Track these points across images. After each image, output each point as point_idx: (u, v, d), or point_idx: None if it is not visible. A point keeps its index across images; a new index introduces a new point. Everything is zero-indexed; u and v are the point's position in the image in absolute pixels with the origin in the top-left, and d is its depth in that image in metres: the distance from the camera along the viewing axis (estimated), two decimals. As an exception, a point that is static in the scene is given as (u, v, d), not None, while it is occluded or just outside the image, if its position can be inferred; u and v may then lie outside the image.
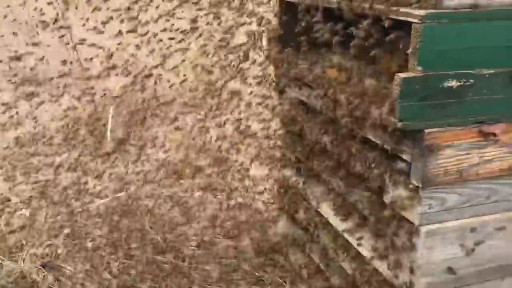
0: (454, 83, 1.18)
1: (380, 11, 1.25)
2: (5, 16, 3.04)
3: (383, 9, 1.24)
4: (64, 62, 4.63)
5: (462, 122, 1.23)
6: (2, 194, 2.70)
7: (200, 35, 2.34)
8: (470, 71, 1.19)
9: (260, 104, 2.66)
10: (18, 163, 3.12)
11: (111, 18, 2.70)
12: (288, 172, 2.01)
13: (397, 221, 1.37)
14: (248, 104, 2.54)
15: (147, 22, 2.35)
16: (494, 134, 1.25)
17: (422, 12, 1.13)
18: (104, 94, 3.73)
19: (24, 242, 2.27)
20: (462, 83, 1.19)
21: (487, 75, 1.20)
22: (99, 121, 3.57)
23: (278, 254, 2.15)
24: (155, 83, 2.58)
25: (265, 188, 2.57)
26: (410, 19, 1.15)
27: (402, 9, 1.18)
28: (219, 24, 2.32)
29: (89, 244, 2.31)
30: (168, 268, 2.12)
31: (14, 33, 4.97)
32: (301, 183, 1.91)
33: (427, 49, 1.14)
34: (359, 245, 1.55)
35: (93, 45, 3.79)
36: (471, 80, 1.19)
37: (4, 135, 3.51)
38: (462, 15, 1.14)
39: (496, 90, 1.21)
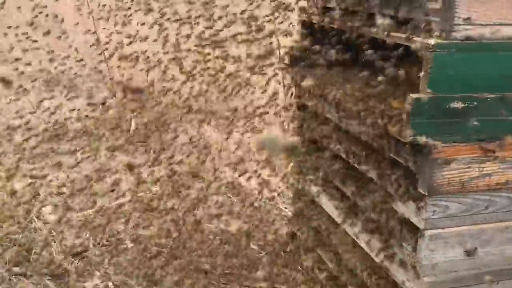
0: (459, 105, 1.34)
1: (397, 39, 1.42)
2: (36, 16, 3.20)
3: (400, 37, 1.41)
4: (89, 64, 4.83)
5: (465, 139, 1.38)
6: (32, 188, 2.87)
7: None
8: (473, 95, 1.34)
9: (276, 113, 2.82)
10: (46, 160, 3.30)
11: (143, 23, 2.87)
12: (303, 179, 2.17)
13: (404, 225, 1.53)
14: (266, 113, 2.69)
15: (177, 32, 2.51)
16: (493, 151, 1.41)
17: (432, 41, 1.29)
18: (127, 96, 3.91)
19: (54, 233, 2.44)
20: (466, 104, 1.35)
21: (488, 99, 1.36)
22: (122, 122, 3.75)
23: (291, 257, 2.30)
24: (176, 91, 2.74)
25: (279, 193, 2.73)
26: (422, 48, 1.31)
27: (416, 39, 1.35)
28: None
29: (113, 239, 2.48)
30: (185, 263, 2.27)
31: (44, 33, 5.19)
32: (315, 190, 2.07)
33: (436, 74, 1.30)
34: (367, 246, 1.70)
35: (119, 47, 3.97)
36: (474, 103, 1.35)
37: (31, 133, 3.69)
38: (468, 45, 1.30)
39: (496, 112, 1.37)
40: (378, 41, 1.52)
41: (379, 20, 1.48)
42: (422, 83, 1.32)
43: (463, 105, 1.34)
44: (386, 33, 1.43)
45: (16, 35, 3.36)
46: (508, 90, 1.36)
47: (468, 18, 1.30)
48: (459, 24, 1.30)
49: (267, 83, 2.44)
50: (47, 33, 4.37)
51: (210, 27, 2.26)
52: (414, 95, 1.32)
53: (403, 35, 1.39)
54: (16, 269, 2.19)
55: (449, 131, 1.36)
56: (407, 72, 1.44)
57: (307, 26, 2.00)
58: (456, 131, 1.37)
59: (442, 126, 1.36)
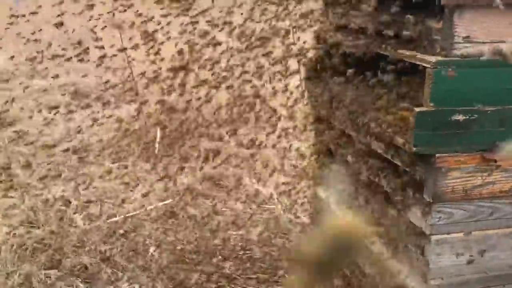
0: (460, 117, 1.43)
1: (402, 56, 1.52)
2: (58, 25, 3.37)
3: (405, 54, 1.51)
4: (115, 77, 5.03)
5: (467, 149, 1.47)
6: (63, 197, 3.05)
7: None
8: (474, 108, 1.43)
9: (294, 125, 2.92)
10: (75, 170, 3.48)
11: (169, 38, 3.01)
12: (319, 187, 2.27)
13: (412, 231, 1.61)
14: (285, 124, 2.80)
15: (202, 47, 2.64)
16: (495, 161, 1.49)
17: (434, 59, 1.39)
18: (154, 109, 4.07)
19: (85, 239, 2.60)
20: (467, 117, 1.43)
21: (488, 111, 1.44)
22: (148, 133, 3.91)
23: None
24: (203, 104, 2.88)
25: (298, 202, 2.83)
26: (424, 64, 1.41)
27: (419, 56, 1.45)
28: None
29: (140, 245, 2.62)
30: (211, 270, 2.39)
31: (63, 49, 5.42)
32: (330, 198, 2.16)
33: (438, 89, 1.40)
34: (379, 251, 1.79)
35: (144, 62, 4.14)
36: (475, 115, 1.44)
37: (62, 146, 3.88)
38: (467, 62, 1.40)
39: (496, 124, 1.45)
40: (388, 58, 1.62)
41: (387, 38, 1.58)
42: (425, 98, 1.42)
43: (464, 117, 1.43)
44: (392, 50, 1.53)
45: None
46: (507, 103, 1.44)
47: (468, 37, 1.39)
48: (459, 43, 1.39)
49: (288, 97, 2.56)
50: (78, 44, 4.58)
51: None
52: (418, 109, 1.42)
53: (407, 53, 1.49)
54: (50, 271, 2.34)
55: (452, 142, 1.45)
56: (412, 86, 1.54)
57: (322, 43, 2.11)
58: (459, 142, 1.46)
59: (445, 137, 1.45)
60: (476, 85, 1.42)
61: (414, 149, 1.45)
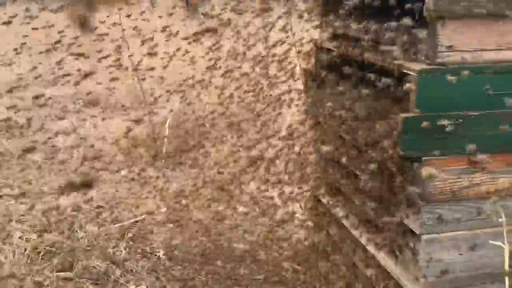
0: (445, 122, 1.51)
1: (390, 64, 1.60)
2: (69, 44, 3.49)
3: (392, 62, 1.59)
4: (124, 86, 5.15)
5: (453, 152, 1.54)
6: (74, 202, 3.15)
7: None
8: (459, 113, 1.51)
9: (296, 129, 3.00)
10: (87, 176, 3.59)
11: (179, 48, 3.12)
12: (319, 191, 2.35)
13: (404, 231, 1.68)
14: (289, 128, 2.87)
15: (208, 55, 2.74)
16: (481, 163, 1.56)
17: (419, 66, 1.47)
18: (161, 116, 4.19)
19: (95, 242, 2.70)
20: (452, 122, 1.51)
21: (473, 116, 1.51)
22: (155, 141, 4.02)
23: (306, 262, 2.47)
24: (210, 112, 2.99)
25: (300, 205, 2.90)
26: (409, 72, 1.49)
27: (405, 64, 1.52)
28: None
29: (147, 248, 2.71)
30: (214, 270, 2.47)
31: (76, 58, 5.56)
32: (330, 201, 2.24)
33: (423, 95, 1.48)
34: (375, 250, 1.86)
35: (152, 69, 4.26)
36: (460, 120, 1.51)
37: (73, 152, 4.00)
38: (451, 69, 1.47)
39: (481, 128, 1.52)
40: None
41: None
42: (411, 104, 1.50)
43: (449, 122, 1.51)
44: (380, 58, 1.61)
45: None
46: (490, 108, 1.51)
47: (450, 46, 1.47)
48: (443, 51, 1.47)
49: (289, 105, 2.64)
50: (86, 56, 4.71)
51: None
52: (404, 115, 1.49)
53: (395, 61, 1.57)
54: (62, 274, 2.44)
55: (438, 145, 1.53)
56: (401, 93, 1.61)
57: (319, 52, 2.19)
58: (444, 145, 1.53)
59: (431, 141, 1.52)
60: (460, 91, 1.49)
61: (402, 153, 1.53)
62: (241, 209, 3.03)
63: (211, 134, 3.85)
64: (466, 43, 1.47)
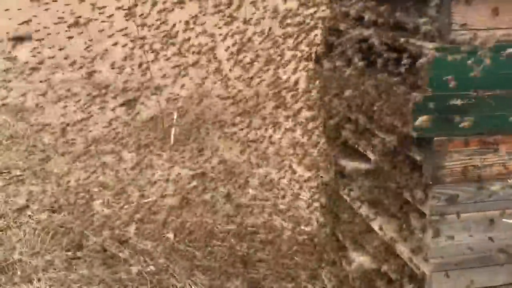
0: (458, 102, 1.49)
1: (403, 43, 1.58)
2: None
3: (405, 42, 1.57)
4: (133, 70, 5.13)
5: (465, 133, 1.52)
6: (84, 184, 3.17)
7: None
8: (472, 92, 1.49)
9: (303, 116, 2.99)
10: (95, 159, 3.60)
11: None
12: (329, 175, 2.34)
13: (414, 212, 1.68)
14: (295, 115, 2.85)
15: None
16: (493, 144, 1.54)
17: (432, 45, 1.45)
18: (171, 100, 4.17)
19: (104, 223, 2.71)
20: (465, 101, 1.49)
21: (486, 96, 1.49)
22: (164, 125, 4.02)
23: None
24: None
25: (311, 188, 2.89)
26: (422, 51, 1.47)
27: (418, 43, 1.50)
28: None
29: (156, 229, 2.73)
30: (223, 251, 2.49)
31: (85, 42, 5.55)
32: (340, 185, 2.24)
33: (436, 74, 1.46)
34: (383, 232, 1.86)
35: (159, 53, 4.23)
36: (473, 100, 1.49)
37: (80, 135, 4.01)
38: (464, 48, 1.45)
39: (494, 108, 1.50)
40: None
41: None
42: (424, 83, 1.48)
43: (462, 102, 1.49)
44: (392, 37, 1.59)
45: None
46: (504, 87, 1.49)
47: (464, 24, 1.44)
48: (456, 30, 1.44)
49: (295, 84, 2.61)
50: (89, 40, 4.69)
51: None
52: (416, 94, 1.48)
53: (408, 40, 1.55)
54: (71, 253, 2.47)
55: (450, 125, 1.51)
56: (413, 72, 1.59)
57: (330, 32, 2.17)
58: (457, 126, 1.51)
59: (444, 121, 1.50)
60: (473, 70, 1.47)
61: (414, 133, 1.52)
62: (250, 191, 3.03)
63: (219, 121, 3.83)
64: (480, 21, 1.44)
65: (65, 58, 3.02)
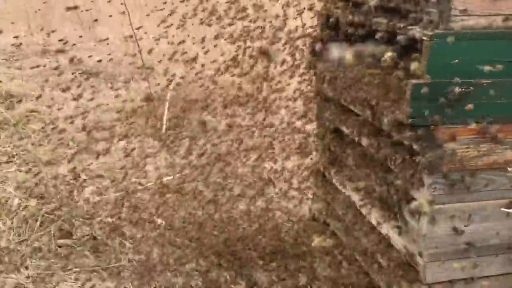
0: (456, 89, 1.46)
1: (401, 29, 1.54)
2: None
3: (403, 28, 1.53)
4: (124, 56, 5.07)
5: (462, 121, 1.50)
6: (74, 170, 3.11)
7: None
8: (470, 80, 1.46)
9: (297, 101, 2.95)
10: (86, 146, 3.55)
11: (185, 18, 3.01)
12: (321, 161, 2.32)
13: (409, 201, 1.65)
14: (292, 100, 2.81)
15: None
16: (491, 133, 1.52)
17: (431, 31, 1.42)
18: (164, 86, 4.12)
19: (94, 211, 2.67)
20: (463, 89, 1.46)
21: (484, 84, 1.47)
22: (156, 111, 3.97)
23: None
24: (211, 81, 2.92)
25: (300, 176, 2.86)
26: (421, 37, 1.43)
27: (417, 29, 1.47)
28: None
29: (146, 216, 2.69)
30: (211, 243, 2.45)
31: (76, 29, 5.46)
32: (332, 172, 2.21)
33: (434, 62, 1.43)
34: (378, 223, 1.84)
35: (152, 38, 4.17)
36: (471, 88, 1.47)
37: (73, 122, 3.95)
38: (464, 35, 1.42)
39: (492, 96, 1.48)
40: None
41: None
42: (421, 70, 1.45)
43: (460, 90, 1.46)
44: (390, 23, 1.56)
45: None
46: (503, 75, 1.46)
47: (465, 10, 1.41)
48: (456, 15, 1.41)
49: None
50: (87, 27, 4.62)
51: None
52: (414, 81, 1.45)
53: (406, 26, 1.51)
54: (60, 241, 2.43)
55: (447, 113, 1.48)
56: (410, 59, 1.56)
57: (325, 19, 2.13)
58: (454, 114, 1.48)
59: (441, 109, 1.48)
60: (473, 57, 1.44)
61: (410, 120, 1.49)
62: (241, 180, 2.99)
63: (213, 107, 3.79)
64: (480, 7, 1.41)
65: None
